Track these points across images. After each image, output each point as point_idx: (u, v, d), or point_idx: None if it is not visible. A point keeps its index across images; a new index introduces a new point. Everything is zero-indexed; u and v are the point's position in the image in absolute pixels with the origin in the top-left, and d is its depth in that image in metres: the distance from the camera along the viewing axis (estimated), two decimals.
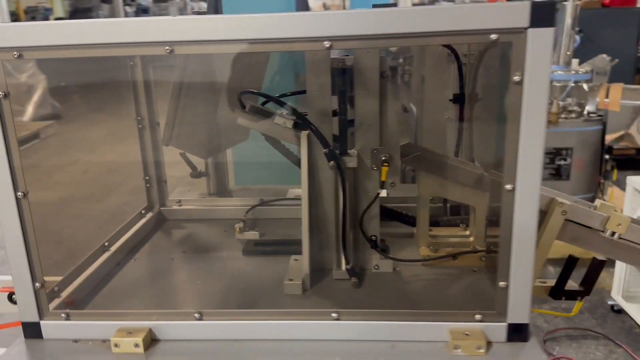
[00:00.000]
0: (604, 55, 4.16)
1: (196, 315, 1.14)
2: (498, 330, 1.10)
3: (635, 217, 1.50)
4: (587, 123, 3.93)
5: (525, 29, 0.94)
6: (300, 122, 1.35)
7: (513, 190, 1.03)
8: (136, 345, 1.11)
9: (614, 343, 3.03)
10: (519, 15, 0.94)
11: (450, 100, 1.60)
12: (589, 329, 3.16)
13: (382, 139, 1.34)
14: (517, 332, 1.10)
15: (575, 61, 3.98)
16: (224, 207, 1.79)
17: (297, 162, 1.58)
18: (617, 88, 3.89)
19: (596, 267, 1.43)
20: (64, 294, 1.26)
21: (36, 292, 1.15)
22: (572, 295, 1.46)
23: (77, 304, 1.27)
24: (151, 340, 1.15)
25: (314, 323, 1.13)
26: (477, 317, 1.11)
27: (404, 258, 1.42)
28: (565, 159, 3.90)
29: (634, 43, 5.12)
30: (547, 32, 0.94)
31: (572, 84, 3.91)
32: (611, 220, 1.37)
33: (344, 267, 1.36)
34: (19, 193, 1.09)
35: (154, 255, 1.55)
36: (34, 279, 1.14)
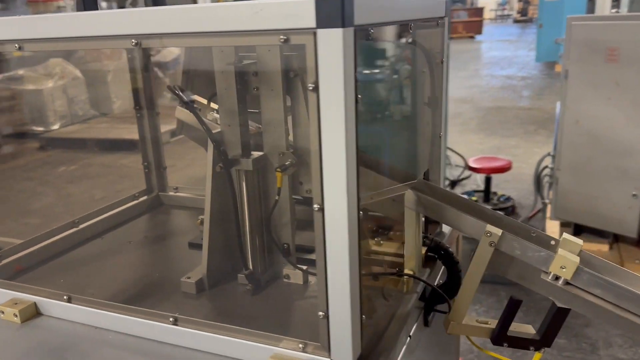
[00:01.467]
0: None
1: (65, 297, 1.21)
2: None
3: None
4: None
5: (315, 29, 0.83)
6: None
7: (321, 210, 0.91)
8: (15, 315, 1.22)
9: None
10: (305, 14, 0.82)
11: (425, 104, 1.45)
12: None
13: (295, 141, 1.27)
14: None
15: None
16: None
17: None
18: None
19: (555, 315, 1.21)
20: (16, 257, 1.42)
21: None
22: (522, 344, 1.25)
23: (24, 271, 1.42)
24: (36, 313, 1.24)
25: (153, 324, 1.12)
26: (300, 346, 1.00)
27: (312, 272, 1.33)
28: None
29: None
30: (338, 34, 0.81)
31: None
32: (555, 260, 1.14)
33: (241, 271, 1.32)
34: None
35: (121, 236, 1.65)
36: None
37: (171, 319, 1.11)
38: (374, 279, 1.28)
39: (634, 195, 3.65)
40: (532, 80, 11.31)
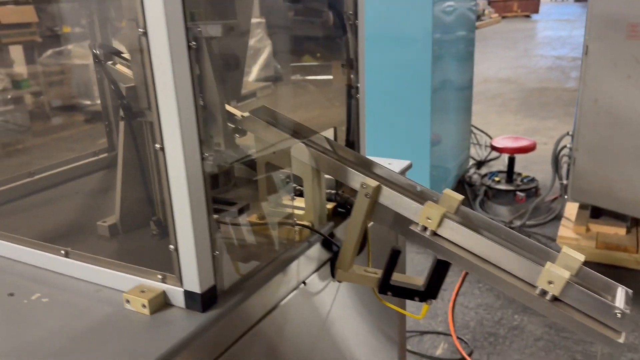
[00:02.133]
0: None
1: None
2: (177, 294, 1.07)
3: None
4: None
5: None
6: None
7: (162, 149, 0.98)
8: None
9: None
10: None
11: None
12: None
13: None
14: (192, 300, 1.06)
15: None
16: None
17: None
18: None
19: (436, 267, 1.25)
20: None
21: None
22: (407, 294, 1.30)
23: None
24: None
25: (45, 255, 1.23)
26: (159, 277, 1.09)
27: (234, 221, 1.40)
28: None
29: None
30: None
31: None
32: (422, 211, 1.18)
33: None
34: None
35: (70, 188, 1.77)
36: None
37: (63, 252, 1.21)
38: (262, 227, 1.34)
39: None
40: None
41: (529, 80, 9.31)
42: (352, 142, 1.53)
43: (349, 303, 1.53)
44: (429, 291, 1.27)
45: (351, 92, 1.48)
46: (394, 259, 1.25)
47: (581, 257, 1.08)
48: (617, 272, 3.70)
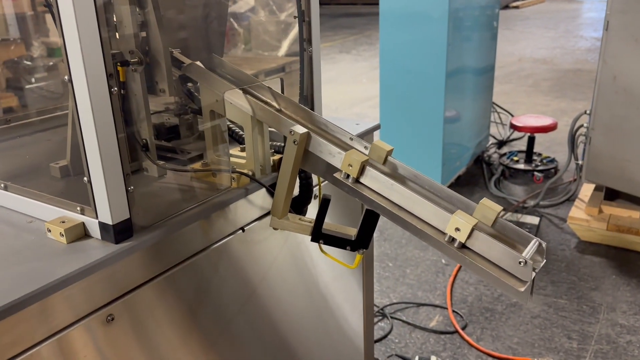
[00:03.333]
0: None
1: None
2: (94, 226, 1.11)
3: None
4: None
5: None
6: None
7: (70, 81, 1.01)
8: (61, 235, 1.25)
9: None
10: None
11: None
12: None
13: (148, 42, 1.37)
14: (105, 232, 1.09)
15: None
16: None
17: None
18: None
19: (365, 218, 1.26)
20: None
21: None
22: (336, 242, 1.31)
23: None
24: (84, 235, 1.28)
25: None
26: (78, 209, 1.13)
27: (174, 167, 1.43)
28: None
29: None
30: None
31: None
32: (345, 158, 1.19)
33: None
34: None
35: (46, 136, 1.84)
36: None
37: (2, 185, 1.27)
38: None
39: None
40: None
41: (565, 62, 9.03)
42: (306, 97, 1.53)
43: (300, 257, 1.55)
44: (360, 241, 1.28)
45: (303, 46, 1.48)
46: (324, 207, 1.26)
47: (498, 208, 1.07)
48: (627, 255, 3.61)
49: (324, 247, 1.30)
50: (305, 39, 1.48)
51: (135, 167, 1.43)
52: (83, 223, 1.12)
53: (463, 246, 1.05)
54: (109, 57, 1.01)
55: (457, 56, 4.18)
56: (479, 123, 5.00)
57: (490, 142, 5.45)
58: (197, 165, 1.43)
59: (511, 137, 5.62)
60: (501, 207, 1.08)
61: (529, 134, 4.89)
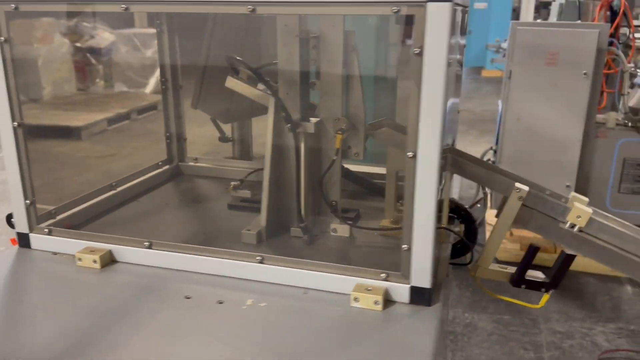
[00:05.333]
0: None
1: (146, 244, 1.31)
2: (401, 291, 1.17)
3: None
4: None
5: (425, 2, 1.00)
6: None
7: (414, 157, 1.09)
8: (94, 262, 1.31)
9: None
10: None
11: None
12: None
13: (348, 109, 1.44)
14: (419, 295, 1.16)
15: None
16: (236, 169, 1.95)
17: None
18: None
19: (564, 261, 1.43)
20: (61, 217, 1.49)
21: (27, 208, 1.38)
22: (535, 286, 1.47)
23: (73, 227, 1.49)
24: (110, 260, 1.34)
25: (241, 263, 1.26)
26: (382, 275, 1.18)
27: (359, 225, 1.50)
28: None
29: None
30: (445, 7, 1.00)
31: None
32: (572, 212, 1.36)
33: (295, 225, 1.47)
34: (15, 123, 1.32)
35: (155, 199, 1.75)
36: (26, 197, 1.38)
37: (258, 258, 1.25)
38: None
39: (567, 186, 4.06)
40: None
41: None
42: None
43: None
44: (554, 282, 1.47)
45: None
46: (531, 255, 1.44)
47: None
48: (542, 271, 4.18)
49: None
50: None
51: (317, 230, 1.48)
52: (387, 289, 1.17)
53: None
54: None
55: None
56: None
57: None
58: (386, 222, 1.52)
59: None
60: None
61: None
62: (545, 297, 1.50)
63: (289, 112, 1.41)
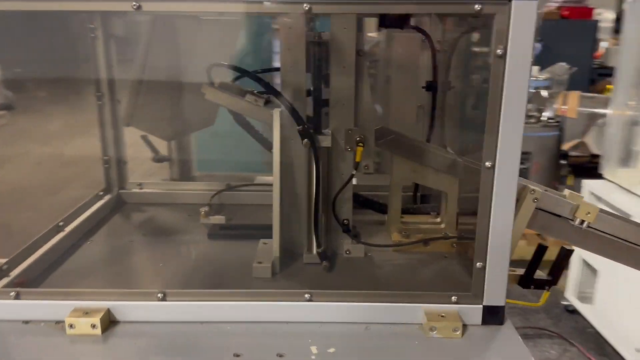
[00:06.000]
0: (563, 64, 4.26)
1: (159, 295, 1.07)
2: (473, 312, 1.08)
3: None
4: (545, 129, 4.03)
5: (509, 0, 0.93)
6: (272, 100, 1.31)
7: (492, 167, 1.01)
8: (93, 326, 1.04)
9: (568, 342, 3.10)
10: None
11: (422, 87, 1.59)
12: (544, 328, 3.22)
13: (356, 119, 1.31)
14: (493, 315, 1.08)
15: (535, 68, 4.07)
16: (188, 192, 1.72)
17: (269, 146, 1.54)
18: (574, 95, 3.98)
19: (564, 257, 1.43)
20: (14, 273, 1.18)
21: None
22: (541, 285, 1.45)
23: (28, 284, 1.18)
24: (109, 322, 1.07)
25: (286, 304, 1.08)
26: (453, 298, 1.08)
27: (375, 243, 1.38)
28: (523, 163, 3.97)
29: (590, 54, 5.27)
30: (530, 5, 0.93)
31: (532, 90, 3.99)
32: (580, 208, 1.36)
33: (314, 250, 1.32)
34: None
35: (112, 237, 1.47)
36: None
37: (307, 296, 1.07)
38: None
39: None
40: None
41: None
42: None
43: None
44: (555, 279, 1.49)
45: None
46: (540, 255, 1.43)
47: None
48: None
49: None
50: None
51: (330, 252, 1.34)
52: (457, 312, 1.07)
53: None
54: None
55: None
56: None
57: None
58: (397, 237, 1.42)
59: None
60: None
61: None
62: (546, 294, 1.50)
63: (306, 124, 1.25)
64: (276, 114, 1.26)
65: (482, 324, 1.08)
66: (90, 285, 1.20)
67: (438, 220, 1.50)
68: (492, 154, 1.00)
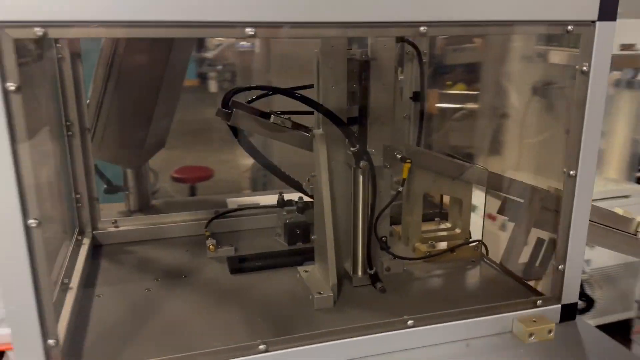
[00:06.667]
0: None
1: (261, 347, 0.97)
2: (553, 312, 1.14)
3: None
4: None
5: (594, 22, 0.99)
6: (297, 122, 1.25)
7: (575, 176, 1.07)
8: None
9: None
10: (589, 8, 0.99)
11: (410, 98, 1.62)
12: None
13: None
14: (569, 312, 1.16)
15: None
16: (170, 225, 1.56)
17: (269, 167, 1.46)
18: None
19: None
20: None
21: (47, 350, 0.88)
22: None
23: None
24: None
25: (391, 334, 1.04)
26: (539, 302, 1.13)
27: (408, 257, 1.38)
28: None
29: None
30: (611, 26, 1.00)
31: None
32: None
33: (360, 272, 1.29)
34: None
35: (119, 288, 1.28)
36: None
37: (410, 322, 1.05)
38: None
39: None
40: None
41: None
42: None
43: None
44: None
45: None
46: None
47: None
48: None
49: None
50: None
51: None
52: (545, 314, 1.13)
53: None
54: None
55: None
56: None
57: None
58: (422, 247, 1.43)
59: None
60: None
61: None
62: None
63: (354, 144, 1.20)
64: (320, 136, 1.21)
65: (559, 322, 1.15)
66: (147, 350, 1.04)
67: (449, 225, 1.54)
68: (575, 162, 1.06)
